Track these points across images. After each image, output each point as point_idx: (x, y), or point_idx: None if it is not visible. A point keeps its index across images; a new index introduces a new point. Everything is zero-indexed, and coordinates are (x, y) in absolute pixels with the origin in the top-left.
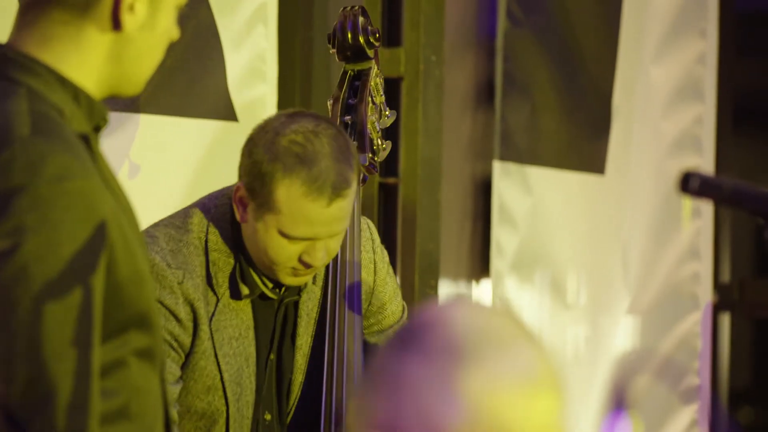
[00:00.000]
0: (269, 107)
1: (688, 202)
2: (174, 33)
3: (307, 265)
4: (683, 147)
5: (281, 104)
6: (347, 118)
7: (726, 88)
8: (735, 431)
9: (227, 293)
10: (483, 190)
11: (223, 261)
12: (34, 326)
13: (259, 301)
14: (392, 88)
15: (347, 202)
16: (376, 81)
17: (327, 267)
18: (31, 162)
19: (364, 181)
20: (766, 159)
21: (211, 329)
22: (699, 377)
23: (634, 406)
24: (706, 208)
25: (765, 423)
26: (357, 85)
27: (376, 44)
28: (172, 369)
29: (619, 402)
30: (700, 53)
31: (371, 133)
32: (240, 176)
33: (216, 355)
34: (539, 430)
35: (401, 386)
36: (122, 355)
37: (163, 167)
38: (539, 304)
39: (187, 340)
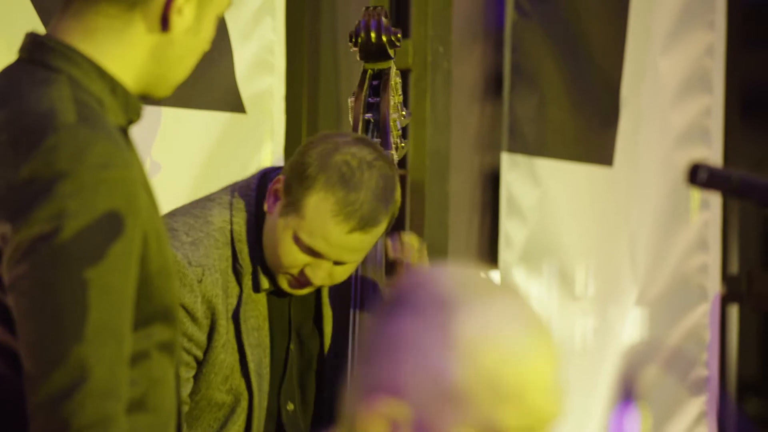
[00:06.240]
0: (277, 99)
1: (696, 194)
2: (209, 43)
3: (306, 279)
4: (691, 139)
5: (289, 96)
6: (369, 115)
7: (734, 79)
8: (743, 422)
9: (250, 284)
10: (491, 182)
11: (246, 253)
12: (72, 310)
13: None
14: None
15: (369, 238)
16: (395, 80)
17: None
18: (77, 149)
19: None
20: None
21: (237, 320)
22: (707, 369)
23: (643, 397)
24: (714, 199)
25: None
26: (377, 83)
27: (398, 44)
28: (181, 371)
29: (627, 393)
30: (708, 45)
31: (393, 131)
32: (284, 170)
33: (243, 346)
34: (535, 368)
35: (398, 345)
36: (146, 347)
37: (170, 158)
38: (547, 295)
39: (202, 338)
